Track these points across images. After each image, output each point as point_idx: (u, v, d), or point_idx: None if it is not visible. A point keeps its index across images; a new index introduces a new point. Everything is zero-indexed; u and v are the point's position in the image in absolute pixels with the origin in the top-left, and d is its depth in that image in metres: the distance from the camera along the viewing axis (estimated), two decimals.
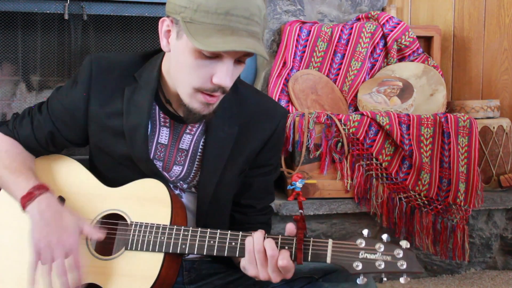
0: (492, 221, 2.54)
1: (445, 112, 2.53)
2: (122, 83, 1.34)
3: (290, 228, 1.20)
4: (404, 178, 2.32)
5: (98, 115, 1.35)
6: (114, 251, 1.33)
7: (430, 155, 2.34)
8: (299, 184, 2.27)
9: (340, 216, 2.37)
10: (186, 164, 1.40)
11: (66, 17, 2.41)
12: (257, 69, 2.72)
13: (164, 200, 1.30)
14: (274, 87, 2.53)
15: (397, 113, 2.35)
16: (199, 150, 1.39)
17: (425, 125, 2.34)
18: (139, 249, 1.26)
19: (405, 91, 2.50)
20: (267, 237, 1.19)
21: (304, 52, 2.62)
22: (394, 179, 2.31)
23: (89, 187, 1.37)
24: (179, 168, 1.39)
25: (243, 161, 1.40)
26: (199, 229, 1.26)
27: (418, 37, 2.71)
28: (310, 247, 1.17)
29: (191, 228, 1.27)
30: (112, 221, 1.34)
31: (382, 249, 1.13)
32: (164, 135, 1.38)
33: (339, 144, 2.30)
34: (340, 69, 2.63)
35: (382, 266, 1.13)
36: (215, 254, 1.24)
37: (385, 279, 1.14)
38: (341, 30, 2.63)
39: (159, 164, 1.38)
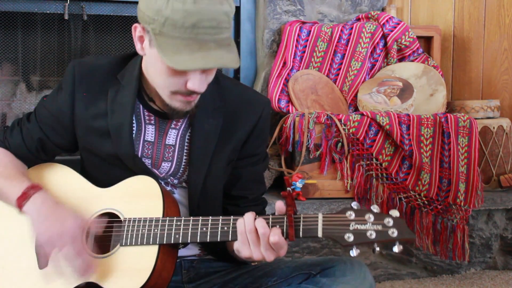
0: (492, 221, 2.54)
1: (445, 112, 2.53)
2: (106, 85, 1.38)
3: (280, 206, 1.21)
4: (404, 178, 2.32)
5: (83, 117, 1.38)
6: (111, 249, 1.33)
7: (430, 155, 2.34)
8: (299, 184, 2.27)
9: None
10: (175, 159, 1.41)
11: (66, 17, 2.41)
12: (257, 69, 2.72)
13: (155, 194, 1.31)
14: (274, 87, 2.52)
15: (397, 113, 2.35)
16: (186, 144, 1.41)
17: (425, 125, 2.34)
18: (133, 243, 1.27)
19: (405, 91, 2.50)
20: (258, 217, 1.20)
21: (304, 52, 2.62)
22: (394, 179, 2.31)
23: (81, 190, 1.38)
24: (168, 164, 1.41)
25: (230, 152, 1.41)
26: (191, 218, 1.27)
27: (418, 37, 2.70)
28: (301, 222, 1.17)
29: (183, 218, 1.28)
30: (106, 219, 1.34)
31: (372, 219, 1.13)
32: (150, 133, 1.40)
33: (339, 144, 2.30)
34: (340, 69, 2.63)
35: (374, 235, 1.13)
36: (208, 240, 1.24)
37: (377, 248, 1.13)
38: (341, 30, 2.63)
39: (147, 161, 1.40)
